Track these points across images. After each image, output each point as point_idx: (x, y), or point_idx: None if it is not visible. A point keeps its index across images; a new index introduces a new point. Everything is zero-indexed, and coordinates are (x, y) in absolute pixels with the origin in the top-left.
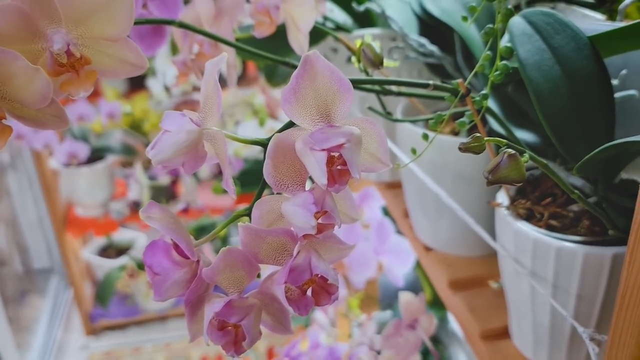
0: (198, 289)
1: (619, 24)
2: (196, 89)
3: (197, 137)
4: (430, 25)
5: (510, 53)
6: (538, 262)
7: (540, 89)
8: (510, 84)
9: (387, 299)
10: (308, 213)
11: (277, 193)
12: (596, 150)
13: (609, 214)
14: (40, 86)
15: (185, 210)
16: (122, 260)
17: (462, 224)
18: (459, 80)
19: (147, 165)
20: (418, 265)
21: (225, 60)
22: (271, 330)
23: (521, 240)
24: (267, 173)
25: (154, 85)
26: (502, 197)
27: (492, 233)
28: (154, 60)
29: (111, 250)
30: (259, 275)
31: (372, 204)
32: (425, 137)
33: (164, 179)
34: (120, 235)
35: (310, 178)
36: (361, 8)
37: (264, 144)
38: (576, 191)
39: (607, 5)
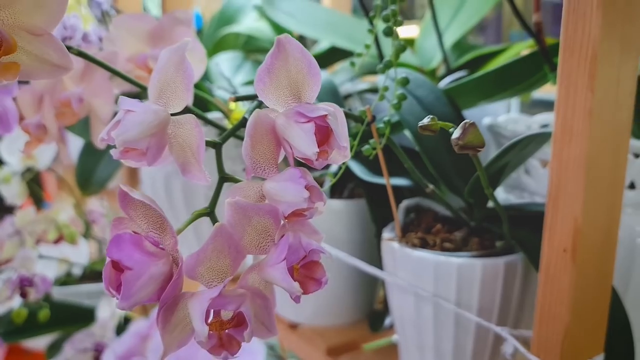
0: (178, 284)
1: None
2: None
3: (164, 120)
4: None
5: (406, 82)
6: (440, 283)
7: (416, 129)
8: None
9: None
10: (299, 186)
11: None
12: (486, 164)
13: (492, 229)
14: None
15: None
16: None
17: (328, 293)
18: (367, 107)
19: None
20: None
21: (187, 47)
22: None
23: (422, 267)
24: (246, 153)
25: None
26: (391, 234)
27: (366, 292)
28: None
29: None
30: None
31: None
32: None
33: None
34: None
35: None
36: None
37: (216, 143)
38: (490, 189)
39: None
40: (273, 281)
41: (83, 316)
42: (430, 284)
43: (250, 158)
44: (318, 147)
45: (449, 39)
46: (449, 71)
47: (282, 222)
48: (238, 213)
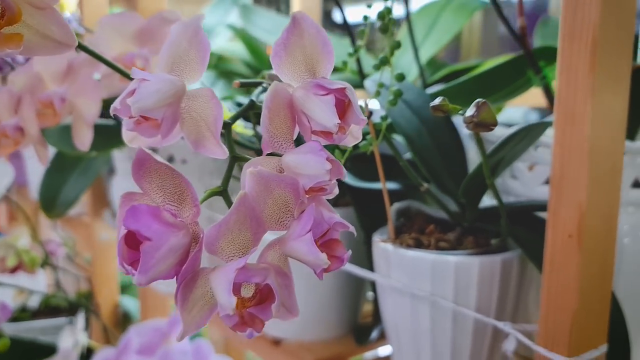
0: (199, 256)
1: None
2: None
3: (180, 89)
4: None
5: (402, 78)
6: (438, 283)
7: (407, 132)
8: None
9: None
10: (320, 158)
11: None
12: (479, 165)
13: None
14: None
15: None
16: None
17: (313, 307)
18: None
19: None
20: None
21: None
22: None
23: (418, 267)
24: (264, 126)
25: None
26: (384, 236)
27: (350, 306)
28: None
29: None
30: None
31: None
32: None
33: None
34: None
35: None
36: None
37: (225, 123)
38: (491, 179)
39: None
40: (297, 255)
41: (42, 352)
42: (427, 284)
43: (268, 131)
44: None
45: (423, 56)
46: (425, 86)
47: (301, 197)
48: (260, 184)
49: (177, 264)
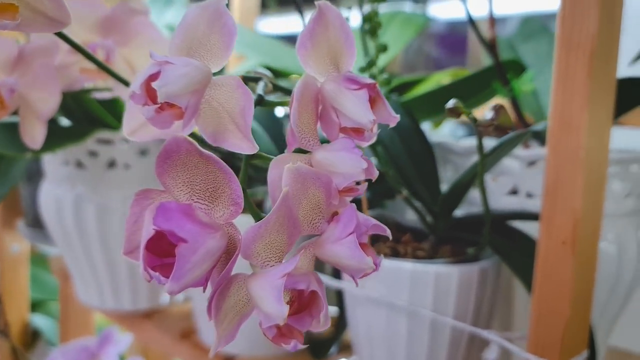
0: (234, 262)
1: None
2: None
3: (207, 76)
4: None
5: (389, 82)
6: (416, 293)
7: (382, 138)
8: None
9: None
10: (355, 155)
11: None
12: (463, 174)
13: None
14: None
15: None
16: None
17: None
18: None
19: None
20: None
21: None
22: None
23: (397, 276)
24: (293, 120)
25: None
26: None
27: None
28: None
29: None
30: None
31: (110, 351)
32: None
33: None
34: None
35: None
36: None
37: None
38: (482, 181)
39: None
40: (336, 259)
41: None
42: (406, 294)
43: (297, 126)
44: None
45: None
46: None
47: (332, 198)
48: (297, 182)
49: (208, 271)
